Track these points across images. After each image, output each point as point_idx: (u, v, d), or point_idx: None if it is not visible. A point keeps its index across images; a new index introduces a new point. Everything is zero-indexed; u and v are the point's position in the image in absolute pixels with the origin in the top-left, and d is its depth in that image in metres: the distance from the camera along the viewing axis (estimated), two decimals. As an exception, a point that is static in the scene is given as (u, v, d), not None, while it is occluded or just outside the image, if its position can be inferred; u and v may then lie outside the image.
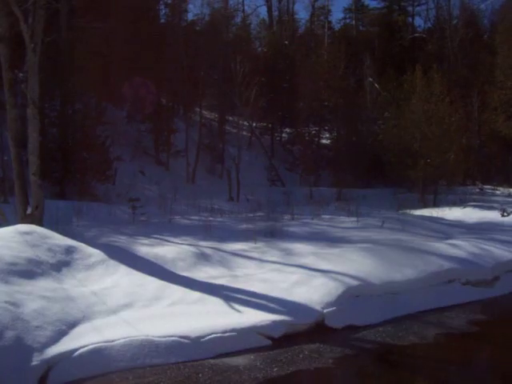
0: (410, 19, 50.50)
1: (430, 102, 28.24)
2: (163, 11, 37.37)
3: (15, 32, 12.22)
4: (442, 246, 12.94)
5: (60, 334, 7.36)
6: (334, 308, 8.94)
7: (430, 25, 49.02)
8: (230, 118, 37.55)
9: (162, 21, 36.86)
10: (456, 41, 40.24)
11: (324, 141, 37.22)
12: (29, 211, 11.75)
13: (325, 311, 8.84)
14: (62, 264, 9.57)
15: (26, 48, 11.67)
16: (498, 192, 30.04)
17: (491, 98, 31.38)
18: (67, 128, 22.07)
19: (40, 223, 11.39)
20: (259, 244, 12.90)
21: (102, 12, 23.53)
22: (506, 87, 30.52)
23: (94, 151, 22.26)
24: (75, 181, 21.63)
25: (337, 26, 53.41)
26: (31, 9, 11.83)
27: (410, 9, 50.64)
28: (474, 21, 43.12)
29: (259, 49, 47.11)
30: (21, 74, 20.34)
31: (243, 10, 50.59)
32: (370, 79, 36.80)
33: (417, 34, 47.22)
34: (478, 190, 30.41)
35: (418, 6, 50.50)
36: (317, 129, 36.24)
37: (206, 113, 36.73)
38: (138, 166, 27.23)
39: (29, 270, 8.85)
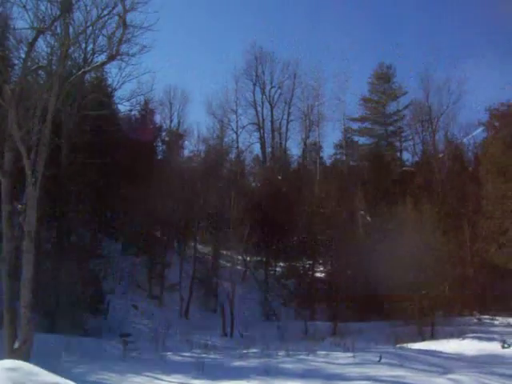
0: (399, 154, 52.46)
1: (422, 233, 28.55)
2: (160, 147, 38.79)
3: (17, 166, 12.65)
4: (443, 382, 12.53)
5: None
6: None
7: (417, 158, 50.80)
8: (224, 253, 37.65)
9: (159, 157, 38.15)
10: (443, 173, 41.53)
11: (318, 274, 37.09)
12: (16, 345, 11.46)
13: None
14: (47, 403, 9.16)
15: (26, 181, 12.00)
16: (496, 322, 29.46)
17: (481, 228, 31.79)
18: (62, 260, 22.07)
19: (27, 358, 11.07)
20: (253, 382, 12.49)
21: (101, 147, 24.41)
22: (495, 217, 31.02)
23: (87, 284, 22.11)
24: (67, 314, 21.26)
25: (328, 162, 55.21)
26: (34, 144, 12.33)
27: (397, 144, 52.78)
28: (458, 154, 44.67)
29: (253, 184, 48.29)
30: (19, 206, 20.69)
31: (237, 147, 52.47)
32: (362, 212, 37.43)
33: (405, 168, 48.74)
34: (475, 321, 29.85)
35: (405, 141, 52.67)
36: (311, 262, 36.24)
37: (200, 247, 36.90)
38: (131, 299, 26.91)
39: (12, 410, 8.45)
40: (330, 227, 33.57)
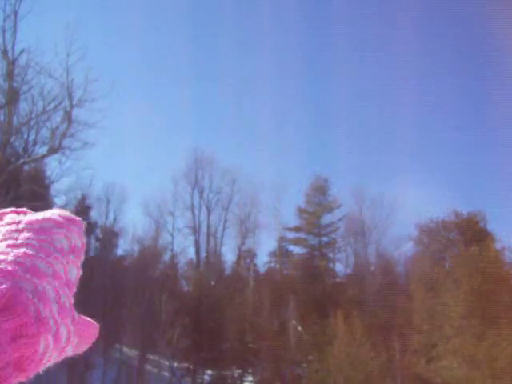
0: (332, 265, 52.99)
1: (352, 345, 28.54)
2: (93, 244, 38.02)
3: None
4: None
5: None
6: None
7: (349, 270, 51.45)
8: (152, 357, 36.24)
9: (92, 254, 37.28)
10: (374, 286, 42.14)
11: (247, 384, 36.09)
12: None
13: None
14: None
15: None
16: None
17: (411, 342, 32.05)
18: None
19: None
20: None
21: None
22: (424, 330, 31.43)
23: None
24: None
25: (262, 269, 55.12)
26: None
27: (330, 255, 53.43)
28: (389, 268, 45.60)
29: (185, 288, 47.53)
30: None
31: (172, 249, 51.88)
32: (294, 322, 37.17)
33: (338, 279, 49.22)
34: None
35: (338, 253, 53.42)
36: (240, 371, 35.30)
37: (127, 350, 35.44)
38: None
39: None
40: (262, 335, 33.11)
